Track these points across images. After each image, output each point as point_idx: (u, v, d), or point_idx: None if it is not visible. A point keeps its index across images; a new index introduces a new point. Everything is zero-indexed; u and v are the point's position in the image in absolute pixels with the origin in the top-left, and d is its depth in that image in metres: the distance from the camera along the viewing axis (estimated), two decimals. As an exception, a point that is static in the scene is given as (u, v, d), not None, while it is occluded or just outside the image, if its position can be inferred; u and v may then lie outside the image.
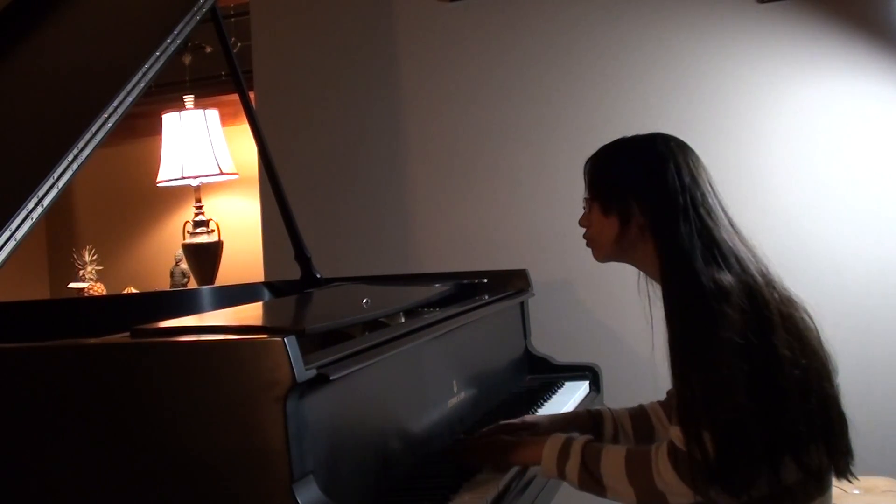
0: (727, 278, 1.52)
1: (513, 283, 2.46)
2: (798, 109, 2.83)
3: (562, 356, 2.51)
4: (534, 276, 2.51)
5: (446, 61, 3.16)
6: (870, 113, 2.77)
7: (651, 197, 1.62)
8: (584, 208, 1.73)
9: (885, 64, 2.74)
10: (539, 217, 3.05)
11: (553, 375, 2.42)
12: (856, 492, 2.15)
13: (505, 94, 3.10)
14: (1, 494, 1.33)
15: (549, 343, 2.58)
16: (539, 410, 2.08)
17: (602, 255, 1.72)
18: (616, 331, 2.96)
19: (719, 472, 1.45)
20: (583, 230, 1.74)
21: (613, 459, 1.55)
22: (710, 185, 1.63)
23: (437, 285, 2.28)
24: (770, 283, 1.57)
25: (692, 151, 1.66)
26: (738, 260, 1.56)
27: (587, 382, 2.40)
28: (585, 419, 1.88)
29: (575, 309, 3.02)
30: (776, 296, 1.55)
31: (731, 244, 1.58)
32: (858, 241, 2.76)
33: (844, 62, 2.78)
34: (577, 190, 1.77)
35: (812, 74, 2.81)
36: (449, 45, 3.16)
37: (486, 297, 2.27)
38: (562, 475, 1.60)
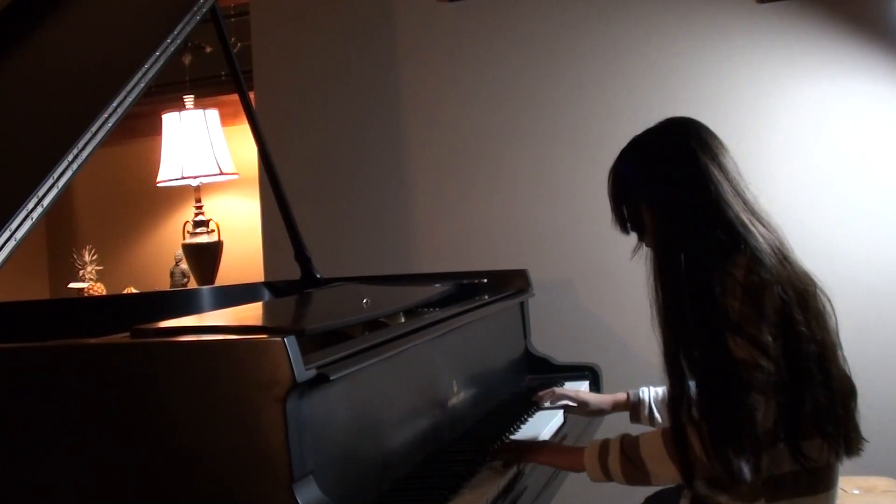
0: (739, 274, 1.49)
1: (513, 283, 2.46)
2: (798, 109, 2.83)
3: (562, 356, 2.51)
4: (534, 276, 2.51)
5: (446, 61, 3.16)
6: (870, 113, 2.77)
7: (668, 222, 1.62)
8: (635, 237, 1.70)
9: (885, 64, 2.74)
10: (539, 217, 3.05)
11: (553, 375, 2.42)
12: (856, 492, 2.15)
13: (505, 94, 3.10)
14: (1, 494, 1.33)
15: (549, 343, 2.58)
16: (539, 410, 2.08)
17: None
18: (616, 331, 2.96)
19: (734, 443, 1.44)
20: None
21: (651, 442, 1.55)
22: (713, 168, 1.69)
23: (437, 285, 2.28)
24: (783, 259, 1.55)
25: (689, 137, 1.73)
26: (750, 244, 1.53)
27: (587, 382, 2.40)
28: (624, 402, 2.00)
29: (575, 309, 3.02)
30: (789, 273, 1.53)
31: (744, 226, 1.56)
32: (859, 241, 2.76)
33: (844, 62, 2.78)
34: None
35: (812, 74, 2.81)
36: (449, 45, 3.16)
37: (486, 297, 2.27)
38: (606, 473, 1.59)
